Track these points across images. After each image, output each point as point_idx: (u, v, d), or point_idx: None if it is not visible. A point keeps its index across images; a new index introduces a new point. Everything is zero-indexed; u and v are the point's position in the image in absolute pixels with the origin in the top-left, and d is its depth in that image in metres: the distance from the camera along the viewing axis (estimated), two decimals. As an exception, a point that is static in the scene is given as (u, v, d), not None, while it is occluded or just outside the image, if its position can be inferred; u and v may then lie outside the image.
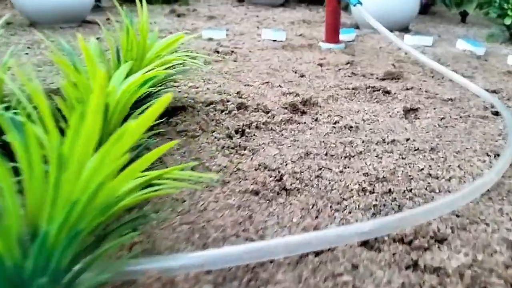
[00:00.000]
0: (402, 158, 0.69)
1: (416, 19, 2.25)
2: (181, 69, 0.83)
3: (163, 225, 0.49)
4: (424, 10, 2.60)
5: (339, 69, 1.22)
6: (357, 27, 2.06)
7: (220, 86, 1.00)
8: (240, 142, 0.72)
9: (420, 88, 1.08)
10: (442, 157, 0.71)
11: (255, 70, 1.16)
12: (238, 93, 0.95)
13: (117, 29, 0.85)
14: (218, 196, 0.56)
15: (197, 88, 0.97)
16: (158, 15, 2.15)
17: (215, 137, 0.73)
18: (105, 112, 0.54)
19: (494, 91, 1.09)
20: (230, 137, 0.74)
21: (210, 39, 1.56)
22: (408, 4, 1.87)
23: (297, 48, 1.51)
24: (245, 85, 1.02)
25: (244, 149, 0.70)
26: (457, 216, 0.54)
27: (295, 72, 1.18)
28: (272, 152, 0.69)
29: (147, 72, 0.66)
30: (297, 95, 0.97)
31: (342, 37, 1.60)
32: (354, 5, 1.36)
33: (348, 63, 1.30)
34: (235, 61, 1.27)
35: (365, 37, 1.81)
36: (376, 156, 0.70)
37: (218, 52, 1.35)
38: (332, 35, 1.49)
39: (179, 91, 0.93)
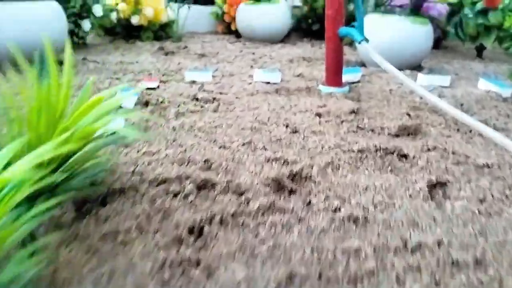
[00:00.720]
0: (436, 285, 0.45)
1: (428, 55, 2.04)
2: (112, 137, 0.61)
3: None
4: (436, 44, 2.40)
5: (342, 121, 1.00)
6: (363, 64, 1.86)
7: (185, 150, 0.77)
8: (192, 253, 0.49)
9: (445, 148, 0.85)
10: (496, 278, 0.46)
11: (236, 124, 0.94)
12: (206, 161, 0.72)
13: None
14: None
15: (153, 155, 0.74)
16: (145, 52, 1.97)
17: (156, 245, 0.50)
18: None
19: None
20: (179, 241, 0.51)
21: (193, 82, 1.36)
22: (420, 40, 1.67)
23: (293, 92, 1.30)
24: (219, 147, 0.80)
25: (197, 266, 0.47)
26: None
27: (287, 126, 0.95)
28: (237, 275, 0.45)
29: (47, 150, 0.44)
30: (285, 162, 0.74)
31: (346, 77, 1.39)
32: (359, 43, 1.15)
33: (352, 111, 1.08)
34: (215, 111, 1.05)
35: (372, 76, 1.60)
36: (397, 282, 0.45)
37: (197, 99, 1.13)
38: (334, 77, 1.28)
39: (125, 162, 0.70)
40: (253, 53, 2.03)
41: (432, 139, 0.90)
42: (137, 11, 2.31)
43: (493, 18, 1.95)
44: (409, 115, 1.07)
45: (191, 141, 0.82)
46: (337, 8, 1.20)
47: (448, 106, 0.96)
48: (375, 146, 0.83)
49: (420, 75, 1.52)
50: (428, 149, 0.85)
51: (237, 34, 2.54)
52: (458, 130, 0.99)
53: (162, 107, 1.04)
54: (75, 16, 2.02)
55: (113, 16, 2.23)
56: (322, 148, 0.83)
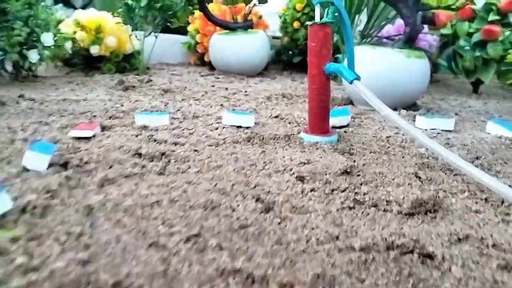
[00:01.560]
0: None
1: (421, 91, 1.83)
2: None
3: None
4: (427, 78, 2.20)
5: (332, 190, 0.73)
6: (350, 102, 1.62)
7: (91, 258, 0.49)
8: None
9: (482, 238, 0.59)
10: None
11: (184, 199, 0.66)
12: (116, 286, 0.44)
13: None
14: None
15: (32, 271, 0.45)
16: (100, 87, 1.70)
17: None
18: None
19: None
20: None
21: (144, 128, 1.08)
22: (417, 75, 1.44)
23: (268, 140, 1.03)
24: (147, 247, 0.52)
25: None
26: None
27: (257, 199, 0.68)
28: None
29: None
30: (250, 278, 0.46)
31: (332, 120, 1.14)
32: (351, 82, 0.91)
33: (345, 171, 0.81)
34: (160, 174, 0.77)
35: (363, 118, 1.35)
36: None
37: (139, 155, 0.85)
38: (319, 124, 1.03)
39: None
40: (226, 89, 1.78)
41: (458, 220, 0.64)
42: (97, 40, 2.05)
43: (493, 51, 1.76)
44: (419, 177, 0.81)
45: (106, 236, 0.53)
46: (322, 39, 0.96)
47: (466, 164, 0.70)
48: (385, 239, 0.56)
49: (419, 118, 1.29)
50: (459, 239, 0.58)
51: (211, 66, 2.30)
52: (486, 200, 0.74)
53: (85, 170, 0.75)
54: (21, 46, 1.74)
55: (68, 45, 1.96)
56: (307, 242, 0.55)
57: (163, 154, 0.86)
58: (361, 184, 0.77)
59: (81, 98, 1.43)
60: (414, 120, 1.35)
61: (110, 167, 0.78)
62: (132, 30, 1.98)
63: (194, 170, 0.79)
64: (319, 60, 0.97)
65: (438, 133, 1.21)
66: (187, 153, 0.89)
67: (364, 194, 0.71)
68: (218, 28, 2.18)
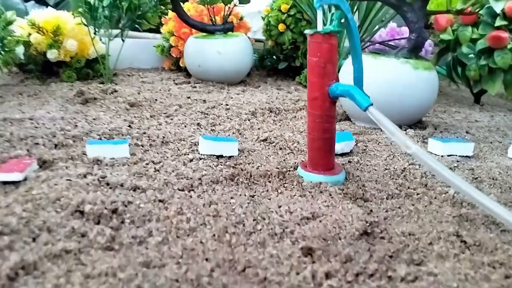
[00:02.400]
0: None
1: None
2: None
3: None
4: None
5: (356, 275, 0.51)
6: (346, 117, 1.42)
7: None
8: None
9: None
10: None
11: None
12: None
13: None
14: None
15: None
16: (55, 100, 1.44)
17: None
18: None
19: None
20: None
21: (96, 163, 0.84)
22: (425, 89, 1.24)
23: (258, 179, 0.81)
24: None
25: None
26: None
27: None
28: None
29: None
30: None
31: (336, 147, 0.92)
32: (365, 109, 0.70)
33: (365, 232, 0.60)
34: (108, 247, 0.54)
35: (366, 140, 1.15)
36: None
37: (81, 213, 0.61)
38: (322, 160, 0.81)
39: None
40: (204, 101, 1.54)
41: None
42: (55, 44, 1.78)
43: (500, 59, 1.58)
44: (464, 241, 0.60)
45: None
46: (327, 54, 0.74)
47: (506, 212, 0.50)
48: None
49: (432, 142, 1.09)
50: None
51: (187, 73, 2.06)
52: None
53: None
54: (-42, 50, 1.46)
55: (20, 50, 1.69)
56: None
57: (114, 211, 0.62)
58: (391, 257, 0.55)
59: (27, 117, 1.17)
60: (425, 142, 1.15)
61: (33, 240, 0.53)
62: (95, 33, 1.72)
63: (156, 240, 0.56)
64: (322, 80, 0.75)
65: (458, 161, 1.01)
66: (149, 207, 0.65)
67: (401, 281, 0.50)
68: (194, 30, 1.95)
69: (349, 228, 0.61)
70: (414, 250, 0.57)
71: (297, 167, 0.86)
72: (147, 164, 0.86)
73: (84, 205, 0.62)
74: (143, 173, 0.81)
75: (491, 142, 1.23)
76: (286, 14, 2.02)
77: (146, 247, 0.55)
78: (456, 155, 1.05)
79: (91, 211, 0.61)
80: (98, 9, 1.67)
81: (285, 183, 0.80)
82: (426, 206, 0.73)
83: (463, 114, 1.64)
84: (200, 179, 0.79)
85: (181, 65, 2.13)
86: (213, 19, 1.87)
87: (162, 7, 1.83)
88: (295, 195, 0.75)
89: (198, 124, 1.21)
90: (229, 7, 1.88)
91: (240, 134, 1.15)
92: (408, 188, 0.81)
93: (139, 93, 1.61)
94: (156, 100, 1.50)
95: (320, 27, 0.73)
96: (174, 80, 1.94)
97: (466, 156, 1.06)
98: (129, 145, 0.92)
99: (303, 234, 0.59)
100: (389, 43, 2.03)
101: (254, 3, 2.14)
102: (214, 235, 0.58)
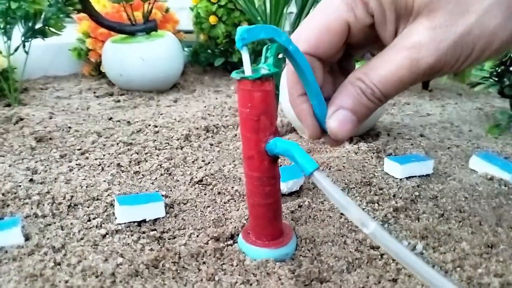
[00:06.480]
0: None
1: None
2: None
3: None
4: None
5: None
6: (292, 129, 1.27)
7: None
8: None
9: None
10: None
11: None
12: None
13: None
14: None
15: None
16: None
17: None
18: None
19: None
20: None
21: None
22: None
23: (187, 262, 0.64)
24: None
25: None
26: None
27: None
28: None
29: None
30: None
31: (281, 186, 0.77)
32: (309, 176, 0.54)
33: None
34: None
35: (316, 160, 1.00)
36: None
37: None
38: (266, 230, 0.65)
39: None
40: (129, 122, 1.33)
41: None
42: None
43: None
44: None
45: None
46: (260, 104, 0.56)
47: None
48: None
49: (389, 164, 0.96)
50: None
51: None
52: None
53: None
54: None
55: None
56: None
57: None
58: None
59: None
60: (380, 157, 1.03)
61: None
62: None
63: None
64: (257, 136, 0.58)
65: (419, 186, 0.90)
66: None
67: None
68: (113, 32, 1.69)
69: None
70: None
71: (238, 233, 0.70)
72: (45, 254, 0.66)
73: None
74: (38, 274, 0.61)
75: (448, 148, 1.14)
76: (216, 5, 1.81)
77: None
78: (416, 176, 0.95)
79: None
80: (-14, 19, 1.38)
81: (223, 263, 0.64)
82: (392, 277, 0.61)
83: (413, 106, 1.55)
84: (113, 274, 0.61)
85: (102, 71, 1.87)
86: (131, 18, 1.62)
87: (69, 7, 1.56)
88: (236, 282, 0.60)
89: (118, 164, 1.01)
90: (149, 2, 1.64)
91: (169, 174, 0.97)
92: (370, 248, 0.68)
93: (50, 118, 1.37)
94: (70, 128, 1.27)
95: (248, 72, 0.55)
96: (94, 92, 1.69)
97: (427, 175, 0.95)
98: (22, 226, 0.71)
99: None
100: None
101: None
102: None
